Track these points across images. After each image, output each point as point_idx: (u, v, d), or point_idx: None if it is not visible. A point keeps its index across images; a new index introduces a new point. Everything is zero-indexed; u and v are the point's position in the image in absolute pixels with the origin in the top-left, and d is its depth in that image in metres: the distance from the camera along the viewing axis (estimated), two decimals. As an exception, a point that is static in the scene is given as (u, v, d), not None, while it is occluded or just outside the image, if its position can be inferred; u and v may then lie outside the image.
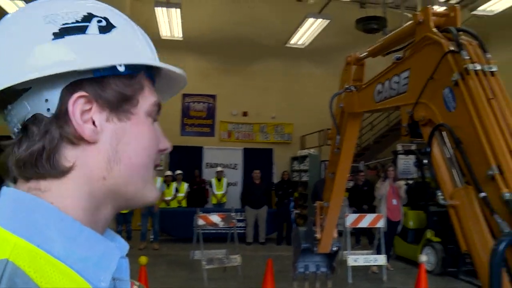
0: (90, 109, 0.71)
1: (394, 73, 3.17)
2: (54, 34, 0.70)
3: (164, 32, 14.35)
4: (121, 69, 0.72)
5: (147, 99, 0.77)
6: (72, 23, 0.71)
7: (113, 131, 0.73)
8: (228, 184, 14.37)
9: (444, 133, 2.69)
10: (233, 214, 8.90)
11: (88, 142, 0.71)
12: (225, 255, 8.62)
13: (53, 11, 0.72)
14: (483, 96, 2.50)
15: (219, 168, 14.44)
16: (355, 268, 8.56)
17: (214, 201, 13.94)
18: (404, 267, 9.95)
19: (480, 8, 13.43)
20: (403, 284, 8.69)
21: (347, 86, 4.18)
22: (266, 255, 9.10)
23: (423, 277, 6.51)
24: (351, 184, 13.68)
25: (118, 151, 0.73)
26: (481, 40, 2.65)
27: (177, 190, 13.07)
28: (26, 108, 0.70)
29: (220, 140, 17.79)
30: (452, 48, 2.61)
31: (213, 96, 17.57)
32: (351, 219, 9.20)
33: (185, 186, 13.29)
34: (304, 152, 16.67)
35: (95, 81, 0.71)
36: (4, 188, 0.70)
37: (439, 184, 2.70)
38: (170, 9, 12.69)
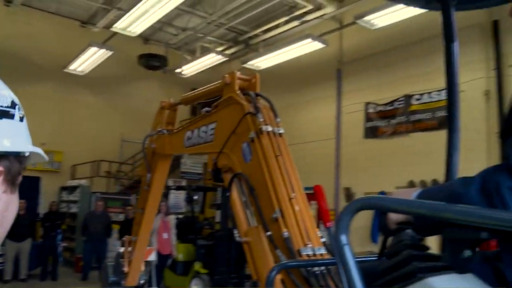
0: None
1: (203, 124, 3.60)
2: None
3: None
4: (26, 154, 0.89)
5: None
6: (6, 107, 0.84)
7: (5, 200, 0.87)
8: (-14, 215, 12.92)
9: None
10: (-4, 248, 8.15)
11: None
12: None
13: None
14: (272, 153, 3.06)
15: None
16: (127, 302, 8.58)
17: (-33, 233, 12.36)
18: (174, 298, 10.34)
19: (250, 62, 15.16)
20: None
21: (159, 129, 4.44)
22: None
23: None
24: (121, 217, 13.70)
25: (4, 217, 0.88)
26: (273, 105, 3.25)
27: None
28: None
29: (-20, 165, 15.92)
30: (251, 110, 3.14)
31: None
32: (124, 252, 9.24)
33: None
34: (75, 182, 16.03)
35: (7, 158, 0.85)
36: None
37: (235, 223, 3.15)
38: None
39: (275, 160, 3.06)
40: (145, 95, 18.29)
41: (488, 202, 1.12)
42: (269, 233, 2.93)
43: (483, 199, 1.13)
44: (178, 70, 16.47)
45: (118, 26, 13.02)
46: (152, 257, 9.44)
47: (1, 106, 0.82)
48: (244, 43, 16.34)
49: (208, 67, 16.49)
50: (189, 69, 16.51)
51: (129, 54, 16.31)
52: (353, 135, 14.28)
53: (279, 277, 2.87)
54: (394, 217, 1.43)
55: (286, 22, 14.50)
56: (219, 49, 16.45)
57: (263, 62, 15.17)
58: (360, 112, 14.30)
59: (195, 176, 16.49)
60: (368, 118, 14.14)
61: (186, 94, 4.35)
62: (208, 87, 3.79)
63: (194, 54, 16.98)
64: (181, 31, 15.99)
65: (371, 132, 14.04)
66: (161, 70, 16.43)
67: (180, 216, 12.66)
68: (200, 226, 11.84)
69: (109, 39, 14.78)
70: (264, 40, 15.79)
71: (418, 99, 12.85)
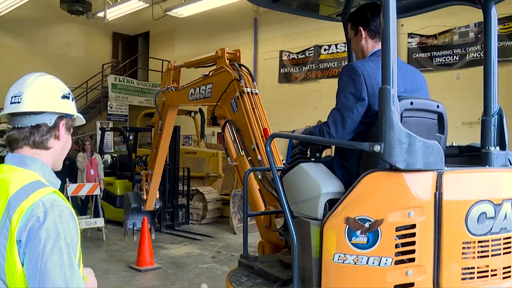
0: (62, 127, 1.78)
1: (202, 84, 4.99)
2: (61, 96, 1.78)
3: None
4: (74, 117, 1.84)
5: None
6: (66, 93, 1.81)
7: (66, 137, 1.81)
8: None
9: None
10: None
11: (59, 140, 1.77)
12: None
13: (59, 86, 1.80)
14: (250, 106, 4.54)
15: None
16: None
17: None
18: (115, 228, 11.47)
19: (173, 10, 16.04)
20: (120, 240, 10.20)
21: (168, 86, 5.68)
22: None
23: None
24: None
25: (64, 148, 1.82)
26: (251, 73, 4.70)
27: None
28: (40, 119, 1.70)
29: None
30: (236, 77, 4.56)
31: None
32: (72, 188, 10.16)
33: None
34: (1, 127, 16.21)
35: (66, 117, 1.78)
36: (22, 155, 1.70)
37: (228, 153, 4.64)
38: None
39: (252, 111, 4.54)
40: (65, 39, 18.45)
41: (320, 135, 2.69)
42: (249, 158, 4.45)
43: (318, 133, 2.69)
44: (100, 15, 16.82)
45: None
46: (97, 191, 10.53)
47: (64, 94, 1.80)
48: (166, -10, 16.96)
49: (129, 12, 17.06)
50: (111, 13, 16.95)
51: (51, -3, 16.36)
52: (269, 80, 15.82)
53: (256, 184, 4.40)
54: (294, 141, 3.02)
55: (207, -28, 15.33)
56: (141, -6, 16.94)
57: (185, 10, 16.11)
58: (275, 59, 15.86)
59: (121, 118, 17.36)
60: (282, 65, 15.78)
61: (188, 61, 5.62)
62: (204, 57, 5.15)
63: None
64: (104, -25, 16.22)
65: (285, 78, 15.73)
66: (85, 15, 16.63)
67: (115, 155, 13.59)
68: (135, 163, 12.84)
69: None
70: (185, -12, 16.52)
71: (326, 50, 14.66)
